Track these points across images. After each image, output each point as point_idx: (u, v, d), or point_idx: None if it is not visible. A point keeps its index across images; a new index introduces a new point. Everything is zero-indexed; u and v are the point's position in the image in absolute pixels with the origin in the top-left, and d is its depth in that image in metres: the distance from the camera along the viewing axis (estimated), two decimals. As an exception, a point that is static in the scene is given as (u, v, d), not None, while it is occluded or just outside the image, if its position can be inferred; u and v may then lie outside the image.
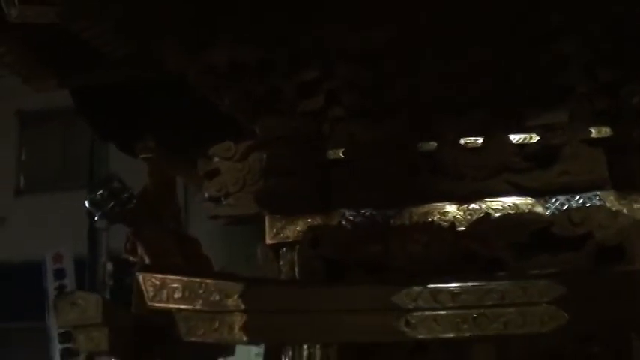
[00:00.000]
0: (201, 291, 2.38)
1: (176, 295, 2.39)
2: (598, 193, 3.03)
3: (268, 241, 3.16)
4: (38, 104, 12.35)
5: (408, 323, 2.26)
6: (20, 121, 13.65)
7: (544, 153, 3.05)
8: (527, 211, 3.04)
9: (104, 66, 3.53)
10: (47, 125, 13.52)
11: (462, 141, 3.09)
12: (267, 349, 3.11)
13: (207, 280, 2.38)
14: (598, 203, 3.02)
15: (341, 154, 3.17)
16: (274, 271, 3.18)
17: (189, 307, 2.39)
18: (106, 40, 3.19)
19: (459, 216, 3.07)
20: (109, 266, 11.34)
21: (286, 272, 3.13)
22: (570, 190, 3.04)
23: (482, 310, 2.25)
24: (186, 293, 2.39)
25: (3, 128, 13.10)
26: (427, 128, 3.16)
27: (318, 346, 2.34)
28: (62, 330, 11.75)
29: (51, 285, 11.96)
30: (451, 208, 3.09)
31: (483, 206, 3.07)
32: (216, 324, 2.37)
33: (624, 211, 2.99)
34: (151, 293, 2.42)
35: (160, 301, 2.39)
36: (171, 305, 2.39)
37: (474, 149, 3.08)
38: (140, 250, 4.36)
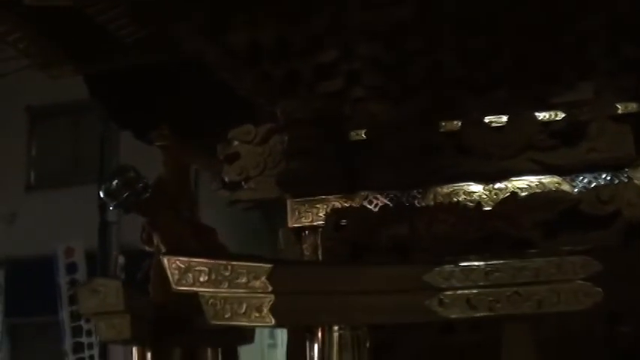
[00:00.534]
0: (227, 273, 2.33)
1: (202, 279, 2.33)
2: (626, 169, 2.98)
3: (290, 224, 3.11)
4: (48, 99, 12.34)
5: (441, 303, 2.20)
6: (30, 117, 13.60)
7: (570, 130, 3.00)
8: (554, 189, 2.99)
9: (119, 52, 3.48)
10: (57, 120, 13.48)
11: (487, 119, 3.03)
12: (291, 337, 3.07)
13: (234, 262, 2.32)
14: (626, 180, 2.97)
15: (363, 135, 3.12)
16: (296, 255, 3.13)
17: (216, 290, 2.33)
18: (121, 23, 3.13)
19: (484, 195, 3.02)
20: (121, 260, 11.30)
21: (309, 256, 3.09)
22: (597, 168, 2.99)
23: (515, 289, 2.20)
24: (213, 276, 2.33)
25: (13, 124, 13.05)
26: (450, 107, 3.11)
27: (348, 328, 2.29)
28: (74, 324, 11.80)
29: (63, 279, 11.94)
30: (476, 188, 3.04)
31: (509, 185, 3.02)
32: (244, 307, 2.32)
33: (653, 187, 2.94)
34: (176, 277, 2.36)
35: (185, 285, 2.34)
36: (196, 289, 2.33)
37: (499, 128, 3.03)
38: (156, 239, 4.32)
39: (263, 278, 2.31)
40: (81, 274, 11.99)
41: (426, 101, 3.11)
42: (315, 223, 3.07)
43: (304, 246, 3.12)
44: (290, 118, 3.04)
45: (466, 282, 2.23)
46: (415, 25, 2.99)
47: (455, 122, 3.08)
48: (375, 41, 3.03)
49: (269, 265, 2.33)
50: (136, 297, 3.20)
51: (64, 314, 11.77)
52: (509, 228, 2.89)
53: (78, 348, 11.80)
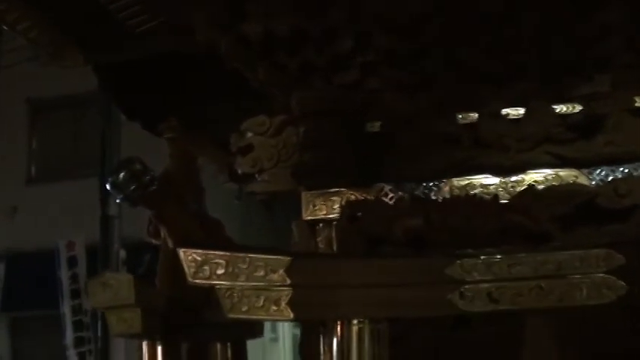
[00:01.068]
0: (244, 266, 2.29)
1: (219, 272, 2.30)
2: (644, 163, 2.95)
3: (305, 217, 3.08)
4: (49, 92, 12.29)
5: (462, 296, 2.17)
6: (31, 109, 13.56)
7: (587, 123, 2.97)
8: (571, 182, 2.96)
9: (129, 42, 3.44)
10: (58, 113, 13.43)
11: (504, 112, 3.00)
12: (305, 331, 3.04)
13: (252, 255, 2.29)
14: (644, 173, 2.94)
15: (379, 127, 3.09)
16: (311, 247, 3.10)
17: (233, 283, 2.30)
18: (132, 12, 3.09)
19: (501, 188, 3.00)
20: (122, 254, 11.29)
21: (324, 249, 3.05)
22: (615, 161, 2.96)
23: (538, 282, 2.17)
24: (230, 269, 2.29)
25: (13, 116, 13.00)
26: (467, 99, 3.07)
27: (367, 321, 2.26)
28: (75, 318, 11.76)
29: (64, 273, 11.91)
30: (493, 181, 3.01)
31: (526, 178, 3.00)
32: (262, 300, 2.29)
33: (670, 182, 2.91)
34: (192, 270, 2.33)
35: (201, 278, 2.30)
36: (213, 282, 2.30)
37: (516, 120, 3.00)
38: (163, 233, 4.28)
39: (281, 271, 2.28)
40: (81, 268, 11.96)
41: (442, 93, 3.08)
42: (329, 216, 3.04)
43: (319, 239, 3.09)
44: (305, 109, 3.00)
45: (488, 275, 2.20)
46: (433, 16, 2.95)
47: (472, 114, 3.04)
48: (392, 32, 2.99)
49: (288, 258, 2.30)
50: (147, 290, 3.17)
51: (66, 308, 11.74)
52: (526, 221, 2.86)
53: (79, 342, 11.77)
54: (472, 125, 3.04)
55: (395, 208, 2.95)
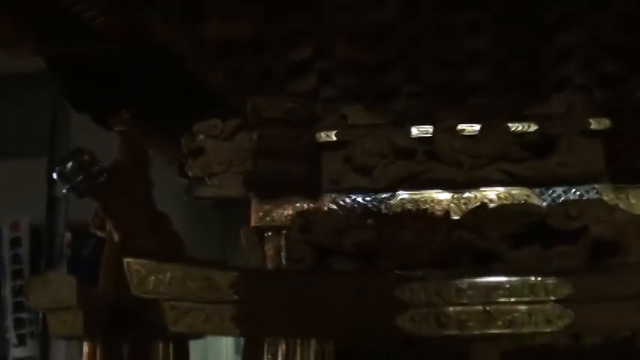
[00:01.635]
0: (190, 280, 2.25)
1: (163, 284, 2.26)
2: (595, 185, 2.96)
3: (254, 224, 3.03)
4: (-2, 68, 12.00)
5: (411, 319, 2.16)
6: (-22, 85, 13.26)
7: (542, 143, 2.97)
8: (522, 201, 2.96)
9: (83, 35, 3.35)
10: (6, 91, 13.12)
11: (459, 127, 2.99)
12: (247, 344, 3.00)
13: (198, 268, 2.25)
14: (595, 196, 2.96)
15: (333, 137, 3.05)
16: (258, 255, 3.06)
17: (177, 296, 2.26)
18: (88, 6, 3.01)
19: (453, 204, 2.98)
20: (67, 236, 11.11)
21: (272, 257, 3.01)
22: (567, 182, 2.97)
23: (487, 307, 2.16)
24: (175, 282, 2.25)
25: (-41, 92, 12.69)
26: (423, 113, 3.05)
27: (313, 340, 2.23)
28: (16, 299, 11.55)
29: (6, 253, 11.66)
30: (445, 196, 3.00)
31: (478, 195, 2.99)
32: (206, 315, 2.25)
33: (621, 205, 2.93)
34: (136, 281, 2.28)
35: (145, 290, 2.26)
36: (158, 294, 2.25)
37: (471, 136, 2.99)
38: (109, 226, 4.21)
39: (226, 286, 2.24)
40: (25, 249, 11.73)
41: (399, 105, 3.05)
42: (279, 224, 3.00)
43: (267, 247, 3.04)
44: (260, 116, 2.95)
45: (437, 299, 2.19)
46: (394, 28, 2.92)
47: (426, 127, 3.02)
48: (352, 42, 2.95)
49: (233, 273, 2.26)
50: (90, 292, 3.10)
51: (6, 289, 11.51)
52: (476, 239, 2.85)
53: (19, 324, 11.55)
54: (426, 139, 3.01)
55: (346, 220, 2.91)
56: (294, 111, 2.95)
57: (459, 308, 2.17)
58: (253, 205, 3.03)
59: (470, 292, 2.17)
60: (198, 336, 3.80)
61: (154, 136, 4.55)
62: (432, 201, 2.98)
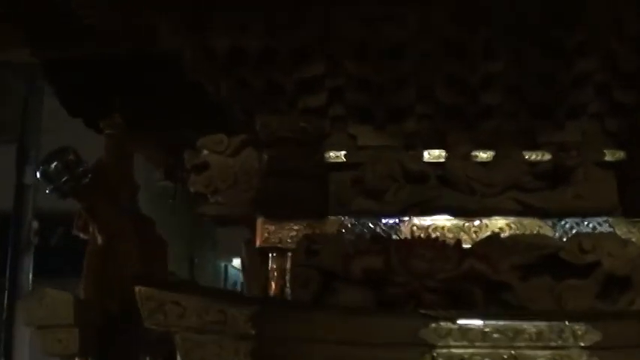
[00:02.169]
0: (204, 313, 2.16)
1: (177, 315, 2.16)
2: (608, 218, 2.92)
3: (258, 244, 2.94)
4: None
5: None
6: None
7: (555, 173, 2.92)
8: (535, 231, 2.91)
9: (81, 39, 3.23)
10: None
11: (473, 153, 2.92)
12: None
13: (213, 301, 2.16)
14: (608, 229, 2.91)
15: (342, 157, 2.97)
16: (261, 276, 2.98)
17: (190, 327, 2.16)
18: (92, 11, 2.89)
19: (464, 232, 2.92)
20: (35, 224, 10.93)
21: (275, 279, 2.93)
22: (580, 214, 2.92)
23: (512, 352, 2.10)
24: (189, 313, 2.16)
25: None
26: (435, 135, 2.98)
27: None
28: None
29: (-27, 240, 11.44)
30: (455, 223, 2.93)
31: (489, 223, 2.93)
32: (219, 348, 2.16)
33: (633, 239, 2.88)
34: (147, 312, 2.18)
35: (157, 322, 2.16)
36: (170, 327, 2.15)
37: (484, 163, 2.92)
38: (92, 228, 4.10)
39: (244, 320, 2.15)
40: (-12, 237, 11.51)
41: (411, 127, 2.98)
42: (284, 246, 2.91)
43: (271, 267, 2.96)
44: (270, 136, 2.86)
45: (462, 341, 2.13)
46: (408, 47, 2.85)
47: (440, 152, 2.95)
48: (365, 59, 2.87)
49: (251, 306, 2.17)
50: (87, 310, 3.00)
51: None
52: (486, 269, 2.80)
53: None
54: (439, 164, 2.95)
55: (354, 245, 2.84)
56: (305, 131, 2.85)
57: (484, 351, 2.10)
58: (259, 225, 2.94)
59: (496, 336, 2.11)
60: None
61: (141, 139, 4.45)
62: (443, 228, 2.92)
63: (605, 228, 2.91)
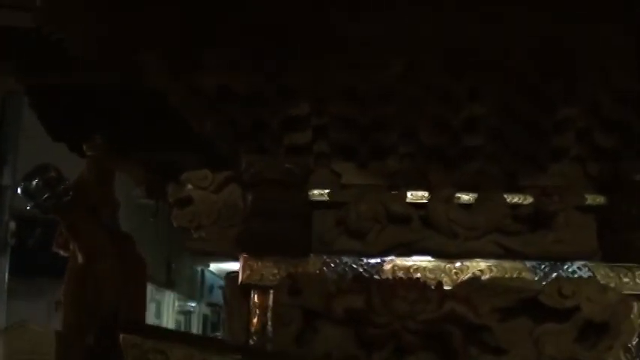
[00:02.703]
0: (188, 361, 2.17)
1: (159, 363, 2.17)
2: (588, 263, 2.96)
3: (241, 280, 2.96)
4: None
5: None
6: None
7: (537, 216, 2.95)
8: (515, 274, 2.94)
9: (66, 67, 3.22)
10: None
11: (455, 196, 2.95)
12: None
13: (199, 350, 2.16)
14: (587, 274, 2.95)
15: (326, 196, 2.99)
16: (243, 312, 2.99)
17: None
18: (80, 46, 2.89)
19: (444, 273, 2.95)
20: (12, 225, 10.89)
21: (257, 316, 2.94)
22: (561, 258, 2.95)
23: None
24: (172, 361, 2.17)
25: None
26: (417, 176, 3.01)
27: None
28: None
29: (-51, 241, 11.37)
30: (437, 264, 2.96)
31: (470, 265, 2.96)
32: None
33: (612, 284, 2.92)
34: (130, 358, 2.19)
35: (143, 370, 2.17)
36: (154, 375, 2.16)
37: (467, 206, 2.95)
38: (73, 246, 4.09)
39: (229, 371, 2.17)
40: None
41: (394, 167, 3.00)
42: (267, 284, 2.93)
43: (252, 303, 2.97)
44: (255, 177, 2.87)
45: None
46: (395, 90, 2.87)
47: (422, 193, 2.97)
48: (351, 101, 2.88)
49: (235, 355, 2.18)
50: (69, 345, 3.00)
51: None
52: (467, 312, 2.83)
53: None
54: (421, 205, 2.97)
55: (336, 285, 2.86)
56: (290, 172, 2.87)
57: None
58: (242, 262, 2.95)
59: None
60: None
61: (123, 158, 4.44)
62: (424, 269, 2.95)
63: (584, 272, 2.94)
